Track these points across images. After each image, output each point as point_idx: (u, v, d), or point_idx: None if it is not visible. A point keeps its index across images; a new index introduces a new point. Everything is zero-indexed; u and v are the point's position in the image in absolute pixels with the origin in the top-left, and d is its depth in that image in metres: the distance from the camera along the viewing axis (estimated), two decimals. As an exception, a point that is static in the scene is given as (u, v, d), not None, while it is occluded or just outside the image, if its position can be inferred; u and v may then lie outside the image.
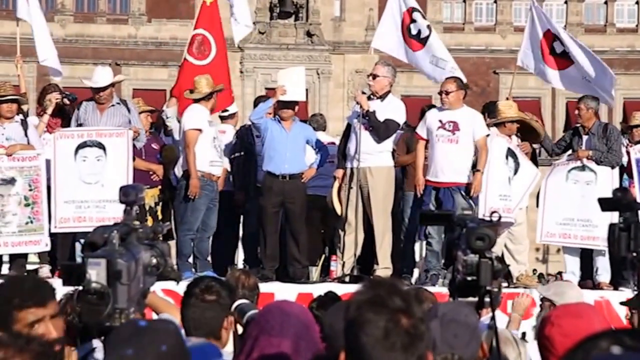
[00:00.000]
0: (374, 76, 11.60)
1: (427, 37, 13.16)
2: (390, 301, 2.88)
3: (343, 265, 11.48)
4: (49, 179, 11.45)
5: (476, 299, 3.73)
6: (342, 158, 11.76)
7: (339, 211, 11.61)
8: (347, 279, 11.32)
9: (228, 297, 5.04)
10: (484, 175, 11.40)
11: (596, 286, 11.66)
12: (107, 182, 11.27)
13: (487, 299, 3.72)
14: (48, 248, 11.54)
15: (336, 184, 11.74)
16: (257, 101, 13.31)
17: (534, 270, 25.36)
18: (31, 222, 11.33)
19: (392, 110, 11.50)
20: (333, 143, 13.03)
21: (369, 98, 11.52)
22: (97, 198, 11.32)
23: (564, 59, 13.33)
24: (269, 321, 4.04)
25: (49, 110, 11.90)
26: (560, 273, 24.26)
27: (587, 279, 11.99)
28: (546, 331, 4.12)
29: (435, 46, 13.28)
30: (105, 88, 11.55)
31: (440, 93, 11.63)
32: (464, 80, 12.25)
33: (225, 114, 13.31)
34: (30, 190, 11.36)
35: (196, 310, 4.97)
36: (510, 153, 11.87)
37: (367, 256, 11.58)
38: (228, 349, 5.05)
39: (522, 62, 13.70)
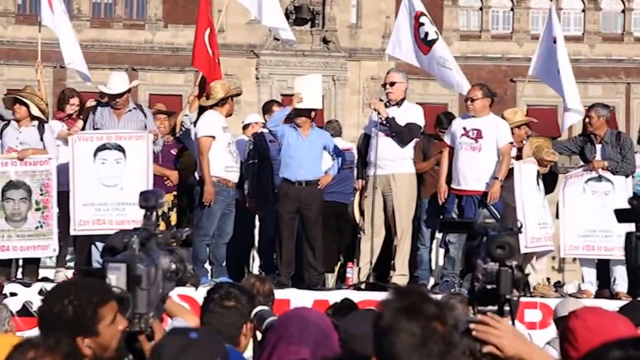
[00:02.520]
0: (392, 83, 11.58)
1: (435, 40, 13.00)
2: (425, 308, 2.87)
3: (359, 272, 11.46)
4: (63, 184, 11.41)
5: (495, 307, 3.71)
6: (362, 168, 11.74)
7: (360, 223, 11.60)
8: (363, 286, 11.31)
9: (247, 304, 5.03)
10: (520, 205, 11.33)
11: (614, 296, 11.58)
12: (126, 185, 11.24)
13: (506, 308, 3.70)
14: (56, 253, 11.54)
15: (357, 196, 11.74)
16: (266, 107, 13.33)
17: (548, 279, 25.27)
18: (41, 226, 11.31)
19: (411, 114, 11.52)
20: (349, 149, 13.00)
21: (385, 106, 11.51)
22: (116, 201, 11.27)
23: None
24: (288, 328, 4.02)
25: (83, 116, 11.84)
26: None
27: (605, 289, 11.92)
28: (570, 324, 4.11)
29: (440, 48, 13.12)
30: (121, 94, 11.54)
31: (466, 100, 11.61)
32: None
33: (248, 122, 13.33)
34: (41, 194, 11.35)
35: (215, 316, 4.97)
36: (539, 176, 11.78)
37: (383, 263, 11.56)
38: (247, 355, 5.05)
39: (532, 71, 13.64)
